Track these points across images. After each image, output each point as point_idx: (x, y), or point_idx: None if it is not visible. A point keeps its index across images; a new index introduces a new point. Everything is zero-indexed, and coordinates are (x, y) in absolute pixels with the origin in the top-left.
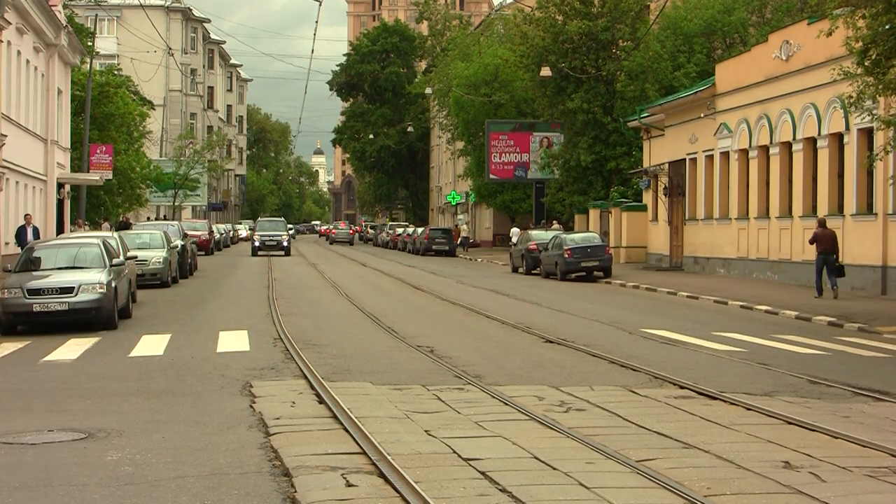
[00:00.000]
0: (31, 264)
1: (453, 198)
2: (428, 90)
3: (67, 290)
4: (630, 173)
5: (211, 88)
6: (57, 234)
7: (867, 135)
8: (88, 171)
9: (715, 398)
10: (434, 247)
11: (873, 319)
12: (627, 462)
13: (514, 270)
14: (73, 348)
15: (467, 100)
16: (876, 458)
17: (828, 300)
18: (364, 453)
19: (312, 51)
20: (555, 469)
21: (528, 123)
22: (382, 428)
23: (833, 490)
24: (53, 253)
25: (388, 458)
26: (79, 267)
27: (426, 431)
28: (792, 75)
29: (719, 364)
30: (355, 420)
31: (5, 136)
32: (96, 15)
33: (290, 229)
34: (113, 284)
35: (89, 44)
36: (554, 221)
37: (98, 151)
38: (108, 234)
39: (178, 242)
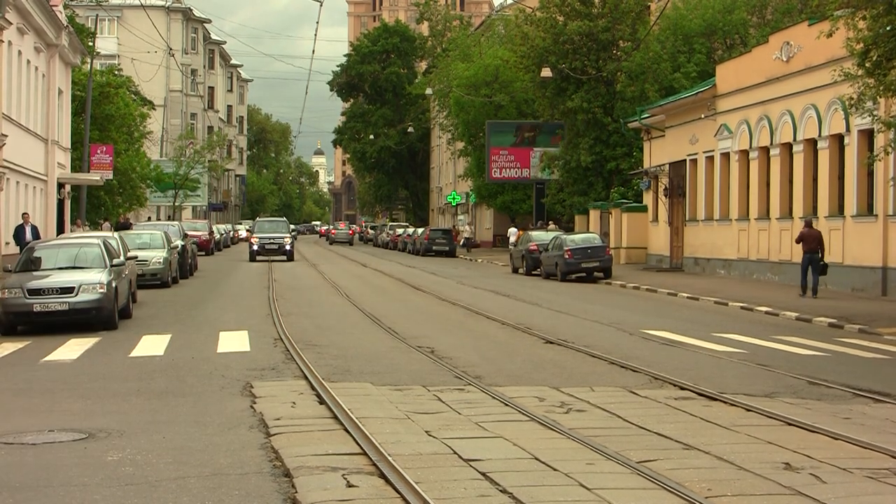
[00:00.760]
0: (31, 264)
1: (453, 198)
2: (428, 91)
3: (68, 291)
4: (630, 174)
5: (211, 89)
6: (57, 235)
7: (867, 136)
8: (89, 172)
9: (715, 399)
10: (434, 247)
11: (873, 321)
12: (628, 463)
13: (515, 271)
14: (73, 348)
15: (467, 100)
16: (876, 460)
17: (812, 299)
18: (365, 454)
19: (313, 51)
20: (555, 470)
21: (529, 133)
22: (383, 428)
23: (833, 491)
24: (54, 253)
25: (389, 458)
26: (79, 267)
27: (427, 432)
28: (792, 76)
29: (719, 365)
30: (356, 421)
31: (6, 136)
32: (97, 15)
33: (293, 231)
34: (113, 284)
35: (90, 44)
36: (551, 222)
37: (98, 152)
38: (109, 234)
39: (179, 243)
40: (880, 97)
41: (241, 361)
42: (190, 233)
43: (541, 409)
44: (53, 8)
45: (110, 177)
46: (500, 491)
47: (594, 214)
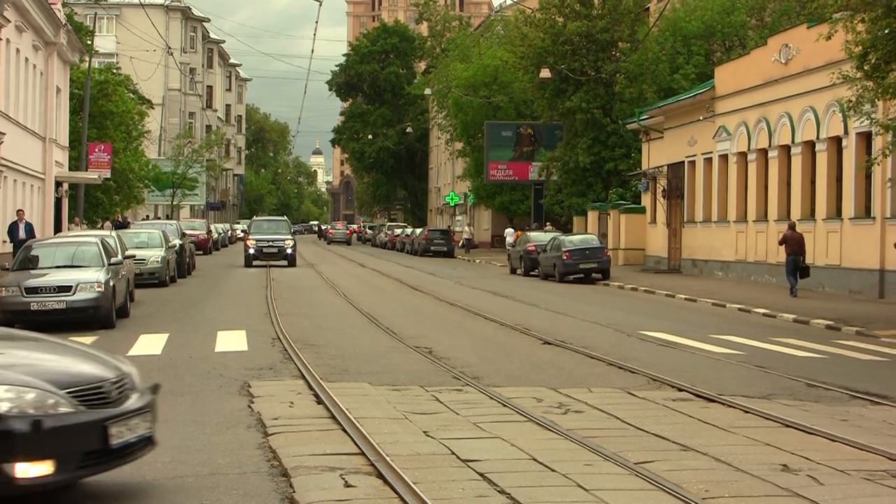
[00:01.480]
0: (28, 263)
1: (452, 199)
2: (427, 91)
3: (65, 289)
4: (629, 175)
5: (210, 88)
6: (55, 233)
7: (866, 139)
8: (87, 170)
9: (713, 401)
10: (432, 248)
11: (871, 323)
12: (626, 464)
13: (513, 272)
14: None
15: (466, 101)
16: (873, 462)
17: (798, 299)
18: (363, 454)
19: (312, 51)
20: (553, 471)
21: (527, 147)
22: (381, 429)
23: (831, 493)
24: (51, 251)
25: (387, 458)
26: (77, 266)
27: (425, 432)
28: (791, 79)
29: (717, 367)
30: (354, 421)
31: (4, 134)
32: (95, 13)
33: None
34: (111, 283)
35: (88, 42)
36: (548, 223)
37: (97, 150)
38: (107, 232)
39: (177, 242)
40: (878, 100)
41: (239, 361)
42: (188, 232)
43: (539, 409)
44: (52, 6)
45: (108, 175)
46: (498, 491)
47: (592, 215)
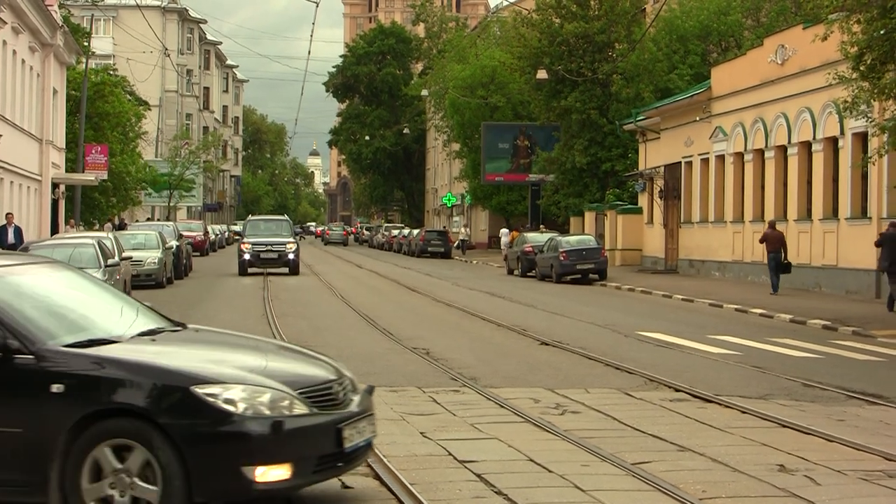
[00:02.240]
0: None
1: (449, 200)
2: (424, 92)
3: None
4: (626, 176)
5: (207, 89)
6: (52, 235)
7: (862, 139)
8: (83, 172)
9: (710, 401)
10: (429, 248)
11: (867, 323)
12: (623, 465)
13: (510, 273)
14: None
15: (463, 102)
16: (870, 462)
17: (779, 296)
18: None
19: (309, 52)
20: (550, 471)
21: (524, 160)
22: (378, 429)
23: (828, 493)
24: (48, 253)
25: (384, 459)
26: None
27: (422, 433)
28: (787, 79)
29: (714, 367)
30: None
31: (0, 135)
32: (92, 15)
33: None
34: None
35: (85, 44)
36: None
37: (93, 152)
38: (104, 234)
39: (174, 243)
40: (874, 100)
41: None
42: (185, 233)
43: (536, 410)
44: (48, 7)
45: (105, 177)
46: (496, 492)
47: (589, 216)
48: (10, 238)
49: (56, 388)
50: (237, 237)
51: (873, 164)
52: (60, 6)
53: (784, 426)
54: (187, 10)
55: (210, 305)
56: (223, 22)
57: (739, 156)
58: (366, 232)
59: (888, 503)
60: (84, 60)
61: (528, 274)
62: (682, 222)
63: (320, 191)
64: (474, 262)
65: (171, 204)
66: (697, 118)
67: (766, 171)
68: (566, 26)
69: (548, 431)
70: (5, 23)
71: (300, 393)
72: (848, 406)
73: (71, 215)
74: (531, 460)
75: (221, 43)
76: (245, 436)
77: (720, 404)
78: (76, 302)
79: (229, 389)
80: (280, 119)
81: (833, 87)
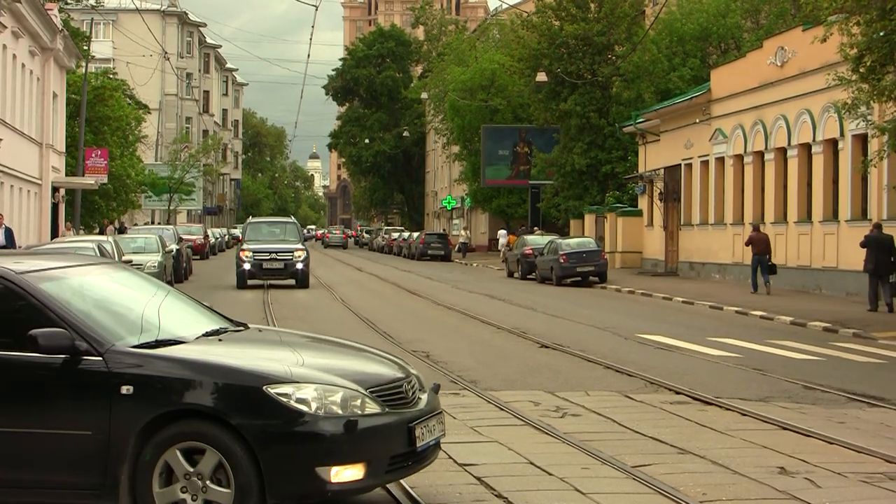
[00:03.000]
0: None
1: (449, 202)
2: (424, 95)
3: None
4: (626, 178)
5: (206, 93)
6: (51, 238)
7: (862, 141)
8: (83, 175)
9: (710, 403)
10: (429, 251)
11: (868, 325)
12: (623, 468)
13: (510, 275)
14: None
15: (463, 105)
16: (871, 464)
17: (762, 296)
18: None
19: (308, 55)
20: (550, 474)
21: (524, 166)
22: None
23: (828, 496)
24: None
25: None
26: None
27: None
28: (787, 81)
29: (714, 369)
30: None
31: (0, 139)
32: (92, 19)
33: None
34: None
35: (85, 48)
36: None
37: (93, 155)
38: (104, 237)
39: (173, 246)
40: (874, 102)
41: None
42: (185, 237)
43: (536, 413)
44: (48, 12)
45: (105, 181)
46: (496, 496)
47: (589, 219)
48: (1, 239)
49: (125, 389)
50: (236, 242)
51: (874, 166)
52: (60, 10)
53: (784, 428)
54: (187, 14)
55: None
56: (223, 26)
57: (739, 158)
58: (366, 235)
59: None
60: (84, 64)
61: (528, 276)
62: (682, 225)
63: (320, 194)
64: (474, 264)
65: (171, 207)
66: (697, 120)
67: (765, 173)
68: (566, 28)
69: (548, 434)
70: (5, 27)
71: (371, 391)
72: (848, 408)
73: (70, 219)
74: (531, 463)
75: (221, 46)
76: (319, 436)
77: (720, 407)
78: (138, 303)
79: (301, 389)
80: (280, 122)
81: (833, 88)
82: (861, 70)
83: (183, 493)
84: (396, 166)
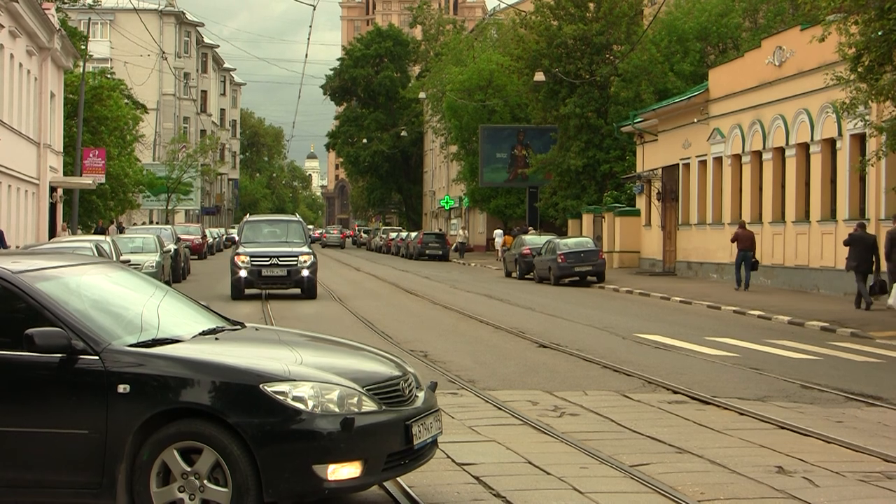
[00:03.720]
0: None
1: (447, 202)
2: (421, 95)
3: None
4: (623, 178)
5: (204, 92)
6: (49, 238)
7: (860, 140)
8: (81, 175)
9: (708, 403)
10: (427, 251)
11: (865, 324)
12: (621, 467)
13: (508, 275)
14: None
15: (461, 105)
16: (869, 463)
17: (750, 293)
18: None
19: (306, 55)
20: (548, 474)
21: (522, 169)
22: None
23: (826, 495)
24: None
25: None
26: None
27: None
28: (785, 81)
29: (712, 369)
30: None
31: None
32: (89, 19)
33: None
34: None
35: (82, 47)
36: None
37: (91, 155)
38: (102, 237)
39: (171, 247)
40: (872, 102)
41: None
42: (183, 237)
43: (534, 412)
44: (46, 11)
45: (103, 180)
46: (494, 495)
47: (587, 218)
48: None
49: (122, 388)
50: (232, 243)
51: (872, 166)
52: (58, 10)
53: (782, 428)
54: (184, 14)
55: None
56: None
57: (737, 157)
58: (364, 235)
59: None
60: (81, 64)
61: (526, 276)
62: (679, 224)
63: (318, 194)
64: (472, 264)
65: (169, 207)
66: (695, 120)
67: (763, 172)
68: (564, 28)
69: (546, 434)
70: (2, 26)
71: (367, 389)
72: (846, 407)
73: (68, 219)
74: (529, 462)
75: (219, 46)
76: (316, 434)
77: (718, 406)
78: (135, 302)
79: (298, 387)
80: (278, 122)
81: (831, 88)
82: (859, 70)
83: (180, 492)
84: (394, 166)
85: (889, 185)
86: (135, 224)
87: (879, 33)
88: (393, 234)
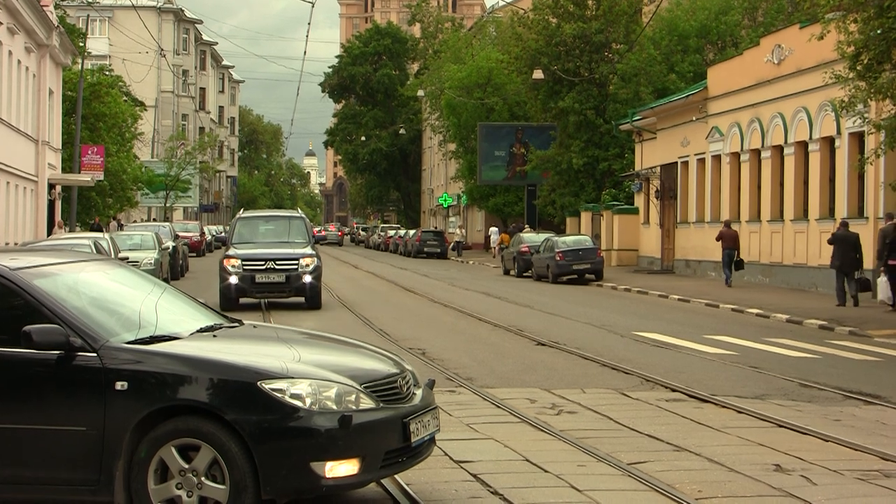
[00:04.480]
0: None
1: (445, 200)
2: (420, 93)
3: None
4: (622, 176)
5: (203, 90)
6: (48, 235)
7: (858, 139)
8: (79, 172)
9: (706, 401)
10: (426, 249)
11: (864, 323)
12: (619, 465)
13: (506, 273)
14: None
15: (459, 102)
16: (867, 462)
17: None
18: None
19: (305, 53)
20: (546, 471)
21: (521, 167)
22: None
23: (824, 493)
24: None
25: None
26: None
27: None
28: (783, 79)
29: (710, 367)
30: None
31: None
32: (88, 15)
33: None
34: None
35: (81, 44)
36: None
37: (89, 152)
38: (100, 234)
39: (170, 244)
40: (871, 100)
41: None
42: (181, 234)
43: (532, 410)
44: (44, 8)
45: (101, 178)
46: (492, 493)
47: (585, 216)
48: None
49: (120, 385)
50: (221, 245)
51: (871, 164)
52: (56, 7)
53: (781, 426)
54: (183, 11)
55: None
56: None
57: (736, 156)
58: (362, 232)
59: (885, 503)
60: (80, 61)
61: (525, 274)
62: (678, 222)
63: (316, 191)
64: (470, 262)
65: (168, 205)
66: (694, 118)
67: (762, 171)
68: (563, 26)
69: (544, 431)
70: (1, 23)
71: (365, 387)
72: (845, 406)
73: (66, 216)
74: (527, 460)
75: (217, 43)
76: (313, 431)
77: (716, 404)
78: (133, 299)
79: (296, 384)
80: (276, 119)
81: (830, 86)
82: (858, 68)
83: (178, 489)
84: (393, 164)
85: (888, 183)
86: (134, 221)
87: (878, 31)
88: (391, 232)
